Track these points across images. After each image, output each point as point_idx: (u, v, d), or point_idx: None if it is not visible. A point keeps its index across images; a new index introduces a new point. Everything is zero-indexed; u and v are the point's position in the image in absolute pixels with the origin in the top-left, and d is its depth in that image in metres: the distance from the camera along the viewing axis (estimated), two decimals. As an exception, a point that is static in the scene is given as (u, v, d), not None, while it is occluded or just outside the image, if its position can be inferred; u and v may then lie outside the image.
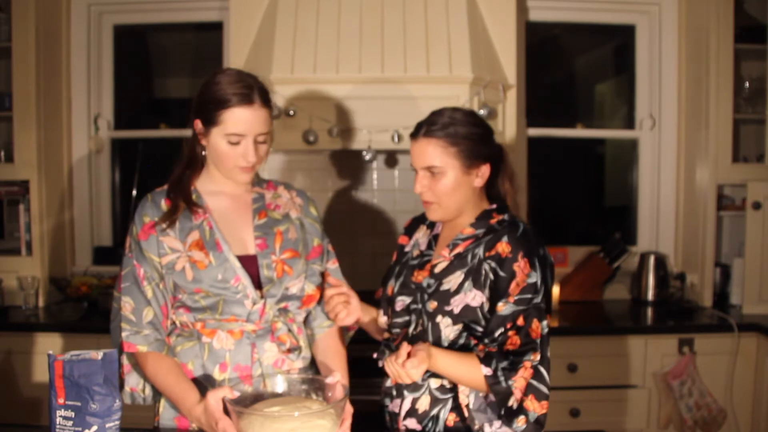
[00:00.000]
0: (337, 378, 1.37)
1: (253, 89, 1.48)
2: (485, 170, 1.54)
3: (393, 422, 1.57)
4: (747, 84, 2.96)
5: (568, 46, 3.47)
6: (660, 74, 3.19)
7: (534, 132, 3.19)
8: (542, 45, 3.27)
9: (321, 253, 1.67)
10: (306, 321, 1.67)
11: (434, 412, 1.51)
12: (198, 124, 1.52)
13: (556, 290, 2.90)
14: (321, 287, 1.66)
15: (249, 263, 1.53)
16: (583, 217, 3.59)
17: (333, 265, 1.73)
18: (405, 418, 1.54)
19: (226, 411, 1.31)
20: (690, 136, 3.09)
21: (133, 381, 1.57)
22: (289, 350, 1.56)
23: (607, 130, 3.44)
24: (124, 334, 1.50)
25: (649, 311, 2.95)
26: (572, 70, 3.53)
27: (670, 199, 3.21)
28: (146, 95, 3.52)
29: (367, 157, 2.61)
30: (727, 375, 2.65)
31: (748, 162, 3.03)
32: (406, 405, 1.54)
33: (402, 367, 1.35)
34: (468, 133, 1.50)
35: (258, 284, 1.53)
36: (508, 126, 2.83)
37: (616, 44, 3.43)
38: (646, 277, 3.06)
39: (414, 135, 1.54)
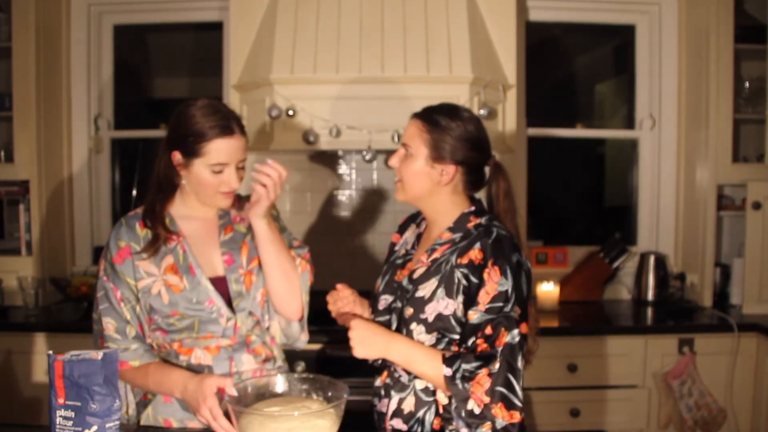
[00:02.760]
0: None
1: (230, 119, 1.54)
2: (450, 171, 1.51)
3: (380, 422, 1.58)
4: (747, 84, 2.96)
5: (568, 46, 3.47)
6: (660, 74, 3.19)
7: (534, 132, 3.19)
8: (542, 45, 3.27)
9: None
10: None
11: (420, 414, 1.51)
12: (177, 156, 1.55)
13: (556, 290, 2.90)
14: None
15: (220, 284, 1.58)
16: (583, 217, 3.59)
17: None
18: (391, 418, 1.54)
19: (227, 415, 1.32)
20: (690, 136, 3.09)
21: None
22: (265, 360, 1.62)
23: (607, 130, 3.44)
24: None
25: (649, 311, 2.95)
26: (572, 70, 3.53)
27: (670, 199, 3.21)
28: (146, 95, 3.52)
29: (367, 157, 2.61)
30: (727, 375, 2.65)
31: (748, 162, 3.03)
32: (393, 405, 1.54)
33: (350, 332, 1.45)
34: (451, 129, 1.50)
35: (230, 301, 1.58)
36: (508, 126, 2.83)
37: (616, 44, 3.43)
38: (646, 277, 3.06)
39: (415, 113, 1.57)
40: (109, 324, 1.54)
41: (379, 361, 1.66)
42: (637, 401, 2.65)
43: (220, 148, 1.51)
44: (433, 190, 1.54)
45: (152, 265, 1.55)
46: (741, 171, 2.90)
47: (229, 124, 1.52)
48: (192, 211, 1.63)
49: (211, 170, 1.52)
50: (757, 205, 2.81)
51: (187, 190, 1.60)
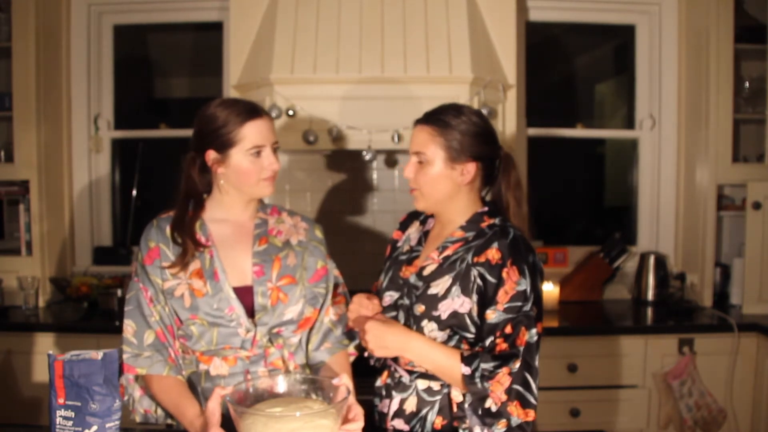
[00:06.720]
0: (344, 380, 1.37)
1: (255, 105, 1.57)
2: (470, 168, 1.51)
3: (381, 422, 1.58)
4: (747, 84, 2.96)
5: (568, 46, 3.47)
6: (660, 74, 3.19)
7: (534, 132, 3.19)
8: (542, 45, 3.27)
9: (326, 274, 1.69)
10: (325, 336, 1.68)
11: (422, 413, 1.51)
12: (211, 154, 1.55)
13: (556, 290, 2.90)
14: (320, 308, 1.67)
15: (245, 293, 1.57)
16: (583, 217, 3.59)
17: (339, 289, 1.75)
18: (393, 418, 1.54)
19: (227, 417, 1.31)
20: (690, 136, 3.09)
21: (146, 404, 1.60)
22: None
23: (607, 130, 3.44)
24: (124, 357, 1.53)
25: (649, 311, 2.95)
26: (572, 70, 3.53)
27: (670, 199, 3.21)
28: (146, 95, 3.52)
29: (367, 157, 2.61)
30: (727, 375, 2.65)
31: (748, 162, 3.03)
32: (394, 405, 1.54)
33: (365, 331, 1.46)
34: (460, 126, 1.50)
35: (252, 313, 1.56)
36: (508, 126, 2.83)
37: (616, 44, 3.43)
38: (646, 277, 3.06)
39: (417, 120, 1.56)
40: (128, 327, 1.54)
41: (380, 362, 1.66)
42: (637, 401, 2.65)
43: (253, 131, 1.53)
44: (454, 192, 1.53)
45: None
46: (741, 171, 2.90)
47: (254, 107, 1.56)
48: (226, 214, 1.62)
49: (250, 154, 1.53)
50: (757, 205, 2.81)
51: (225, 189, 1.59)
